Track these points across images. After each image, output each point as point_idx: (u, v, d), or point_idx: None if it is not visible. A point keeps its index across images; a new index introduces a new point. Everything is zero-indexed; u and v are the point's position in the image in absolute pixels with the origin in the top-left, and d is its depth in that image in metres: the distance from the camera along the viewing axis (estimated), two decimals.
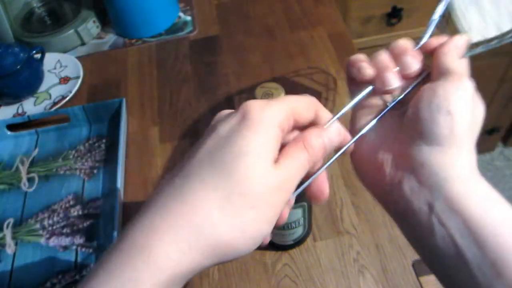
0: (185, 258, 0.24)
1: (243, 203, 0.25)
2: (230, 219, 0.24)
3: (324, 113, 0.30)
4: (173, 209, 0.25)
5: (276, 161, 0.26)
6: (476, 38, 0.37)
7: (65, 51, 0.91)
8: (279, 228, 0.51)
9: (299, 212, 0.49)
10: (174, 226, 0.24)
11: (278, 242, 0.55)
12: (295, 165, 0.27)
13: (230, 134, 0.26)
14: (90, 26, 0.91)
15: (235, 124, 0.26)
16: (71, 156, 0.73)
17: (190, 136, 0.73)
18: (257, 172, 0.25)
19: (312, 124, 0.29)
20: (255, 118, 0.26)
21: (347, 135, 0.31)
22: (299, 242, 0.56)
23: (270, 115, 0.26)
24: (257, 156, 0.25)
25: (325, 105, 0.74)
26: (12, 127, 0.76)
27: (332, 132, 0.29)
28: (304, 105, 0.28)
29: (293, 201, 0.30)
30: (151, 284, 0.23)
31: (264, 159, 0.26)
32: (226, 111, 0.29)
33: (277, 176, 0.26)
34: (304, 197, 0.48)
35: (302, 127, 0.29)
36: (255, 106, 0.26)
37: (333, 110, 0.72)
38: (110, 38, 0.93)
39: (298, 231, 0.53)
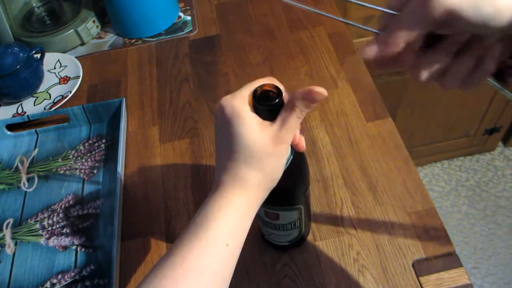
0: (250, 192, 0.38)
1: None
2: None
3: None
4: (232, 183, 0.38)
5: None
6: None
7: (64, 51, 0.91)
8: (274, 228, 0.51)
9: (294, 214, 0.49)
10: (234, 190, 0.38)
11: (274, 242, 0.55)
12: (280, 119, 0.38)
13: (224, 128, 0.37)
14: (90, 26, 0.91)
15: (222, 121, 0.37)
16: (71, 156, 0.73)
17: (190, 136, 0.73)
18: (250, 140, 0.36)
19: None
20: (229, 112, 0.37)
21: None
22: (295, 243, 0.56)
23: (237, 105, 0.37)
24: (247, 134, 0.36)
25: (325, 105, 0.74)
26: (11, 127, 0.76)
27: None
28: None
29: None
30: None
31: (251, 130, 0.36)
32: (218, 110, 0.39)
33: (267, 132, 0.37)
34: (300, 201, 0.48)
35: None
36: (225, 104, 0.37)
37: (334, 110, 0.72)
38: (110, 38, 0.93)
39: (294, 233, 0.53)
